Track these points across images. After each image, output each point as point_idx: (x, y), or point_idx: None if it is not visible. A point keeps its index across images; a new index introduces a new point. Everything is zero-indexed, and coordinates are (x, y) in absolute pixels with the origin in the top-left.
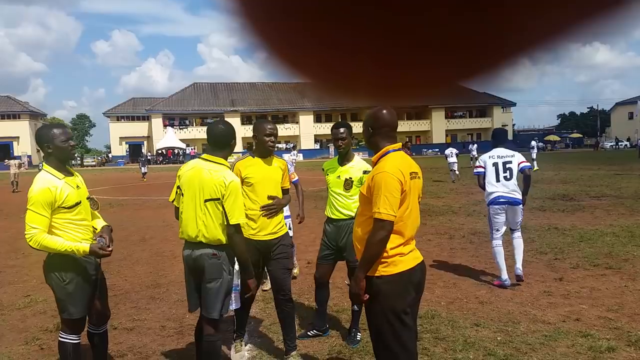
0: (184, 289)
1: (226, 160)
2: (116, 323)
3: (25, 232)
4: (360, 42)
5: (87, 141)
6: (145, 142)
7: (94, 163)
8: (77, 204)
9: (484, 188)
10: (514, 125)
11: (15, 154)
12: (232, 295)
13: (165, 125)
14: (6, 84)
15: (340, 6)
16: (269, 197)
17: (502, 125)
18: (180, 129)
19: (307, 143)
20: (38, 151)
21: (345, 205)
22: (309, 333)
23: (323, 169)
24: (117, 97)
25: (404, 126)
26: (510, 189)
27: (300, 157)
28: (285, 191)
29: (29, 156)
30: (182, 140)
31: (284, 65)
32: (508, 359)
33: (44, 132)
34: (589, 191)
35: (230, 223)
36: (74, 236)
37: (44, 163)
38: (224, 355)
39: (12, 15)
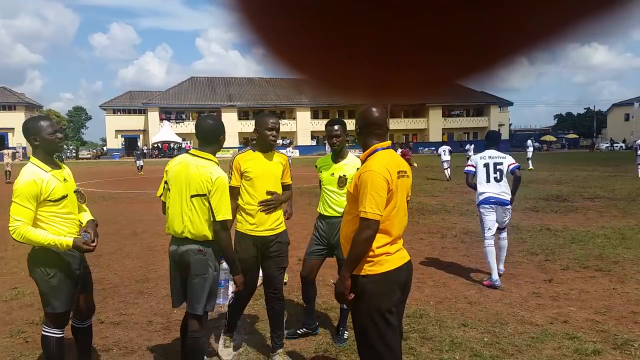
0: None
1: (214, 155)
2: (103, 317)
3: (9, 225)
4: (357, 40)
5: (83, 134)
6: (141, 136)
7: (89, 156)
8: (64, 197)
9: (472, 187)
10: (510, 124)
11: (10, 145)
12: (221, 290)
13: (161, 119)
14: (2, 75)
15: (337, 4)
16: (268, 193)
17: (499, 125)
18: (176, 123)
19: (304, 139)
20: None
21: (339, 202)
22: (298, 331)
23: (316, 166)
24: (114, 90)
25: (400, 124)
26: (500, 190)
27: (297, 153)
28: (286, 187)
29: (24, 147)
30: (179, 135)
31: (280, 61)
32: None
33: (31, 124)
34: (582, 192)
35: (217, 219)
36: (60, 230)
37: (31, 155)
38: (213, 350)
39: (9, 6)
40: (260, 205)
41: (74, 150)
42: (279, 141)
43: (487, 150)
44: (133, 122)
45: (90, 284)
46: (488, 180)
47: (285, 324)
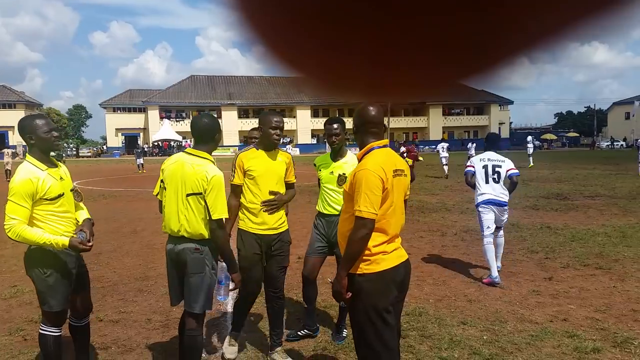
0: None
1: (211, 154)
2: (102, 315)
3: (5, 223)
4: (356, 39)
5: (83, 132)
6: (141, 134)
7: (89, 154)
8: (60, 195)
9: (471, 185)
10: (511, 123)
11: (11, 143)
12: (221, 288)
13: (161, 118)
14: (2, 74)
15: (337, 3)
16: (271, 193)
17: (499, 123)
18: (176, 121)
19: (304, 138)
20: None
21: (338, 200)
22: (299, 333)
23: (315, 165)
24: (114, 88)
25: (401, 122)
26: (497, 191)
27: (297, 151)
28: (289, 185)
29: (24, 146)
30: (179, 133)
31: (279, 60)
32: (493, 359)
33: (26, 122)
34: (583, 190)
35: (213, 218)
36: (56, 228)
37: (27, 154)
38: (213, 347)
39: (9, 5)
40: (263, 205)
41: (74, 149)
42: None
43: (486, 152)
44: (133, 121)
45: (87, 283)
46: (487, 182)
47: (284, 323)
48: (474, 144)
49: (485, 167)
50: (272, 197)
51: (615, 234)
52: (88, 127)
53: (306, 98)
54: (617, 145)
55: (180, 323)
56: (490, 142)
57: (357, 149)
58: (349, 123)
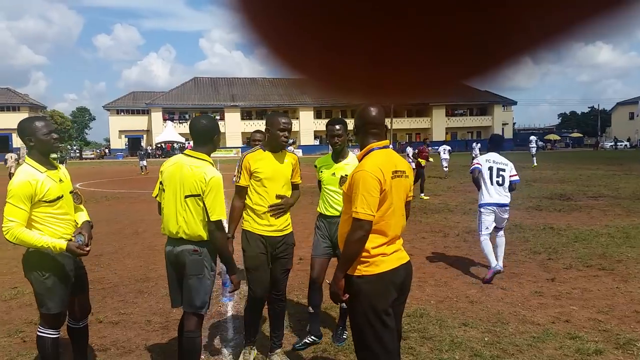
0: None
1: (209, 155)
2: (102, 317)
3: (3, 225)
4: (359, 40)
5: (86, 134)
6: (144, 136)
7: (93, 156)
8: (59, 197)
9: (477, 182)
10: (514, 123)
11: (15, 146)
12: (226, 290)
13: (164, 119)
14: (7, 77)
15: (339, 4)
16: (278, 196)
17: (503, 124)
18: (179, 123)
19: (307, 139)
20: None
21: (340, 202)
22: (306, 341)
23: (315, 166)
24: (118, 90)
25: (404, 123)
26: (501, 194)
27: (300, 152)
28: (295, 186)
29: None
30: (182, 135)
31: (282, 62)
32: None
33: (26, 125)
34: (586, 191)
35: (211, 219)
36: (55, 230)
37: (26, 156)
38: (214, 349)
39: (14, 8)
40: (270, 210)
41: (77, 151)
42: None
43: (490, 153)
44: (136, 123)
45: (86, 285)
46: (492, 183)
47: (285, 325)
48: (479, 145)
49: (490, 168)
50: (278, 201)
51: (619, 234)
52: (92, 129)
53: (309, 99)
54: (621, 145)
55: (180, 325)
56: (494, 144)
57: (358, 150)
58: (351, 124)
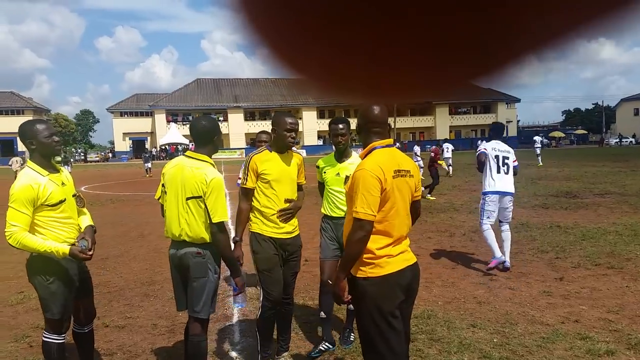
0: None
1: (210, 156)
2: (108, 321)
3: (5, 230)
4: (361, 41)
5: (91, 137)
6: (148, 138)
7: (97, 159)
8: (62, 201)
9: (481, 164)
10: (518, 121)
11: (19, 149)
12: (239, 295)
13: (168, 121)
14: (10, 80)
15: (341, 5)
16: (286, 201)
17: (507, 122)
18: (183, 124)
19: (311, 139)
20: None
21: (345, 202)
22: (321, 348)
23: (318, 167)
24: (121, 93)
25: (407, 122)
26: (506, 182)
27: (304, 153)
28: (299, 187)
29: None
30: (185, 136)
31: (283, 62)
32: None
33: (27, 127)
34: (592, 188)
35: (213, 221)
36: (59, 235)
37: (28, 159)
38: (222, 352)
39: (16, 12)
40: (279, 214)
41: (82, 153)
42: None
43: (493, 141)
44: (140, 125)
45: (90, 289)
46: (498, 172)
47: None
48: (484, 142)
49: (497, 157)
50: (287, 205)
51: (627, 232)
52: (96, 132)
53: (312, 99)
54: (626, 142)
55: (185, 328)
56: (495, 132)
57: (361, 149)
58: (354, 123)
